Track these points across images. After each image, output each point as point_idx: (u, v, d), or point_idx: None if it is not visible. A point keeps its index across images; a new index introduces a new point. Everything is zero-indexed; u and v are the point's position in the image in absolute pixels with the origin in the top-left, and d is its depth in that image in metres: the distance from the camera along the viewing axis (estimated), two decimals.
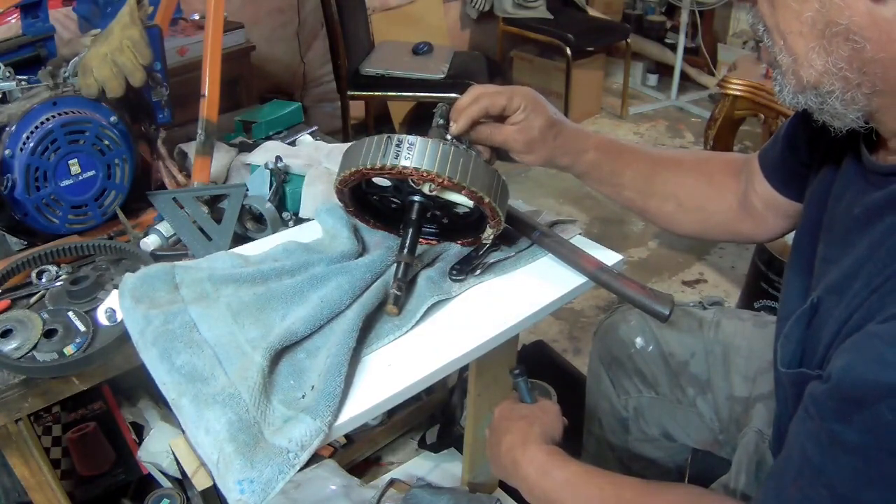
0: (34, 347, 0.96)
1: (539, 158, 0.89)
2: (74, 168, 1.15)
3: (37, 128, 1.11)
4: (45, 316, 1.00)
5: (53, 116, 1.12)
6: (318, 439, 0.64)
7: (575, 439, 1.26)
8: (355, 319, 0.75)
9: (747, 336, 1.06)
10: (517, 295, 0.86)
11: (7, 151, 1.10)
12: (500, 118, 0.88)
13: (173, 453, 1.26)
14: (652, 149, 1.00)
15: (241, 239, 1.15)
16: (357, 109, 2.99)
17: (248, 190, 1.21)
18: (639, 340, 1.10)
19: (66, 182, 1.15)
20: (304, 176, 1.24)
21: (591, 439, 1.21)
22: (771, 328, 1.07)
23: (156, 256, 1.14)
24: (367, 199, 0.92)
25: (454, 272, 0.87)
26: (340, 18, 2.62)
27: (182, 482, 1.38)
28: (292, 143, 1.50)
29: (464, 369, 1.46)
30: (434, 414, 1.72)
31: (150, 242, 1.15)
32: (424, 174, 0.76)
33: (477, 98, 0.86)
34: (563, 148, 0.90)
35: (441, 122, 0.89)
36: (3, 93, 1.15)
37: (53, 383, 0.98)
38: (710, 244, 2.65)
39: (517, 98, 0.86)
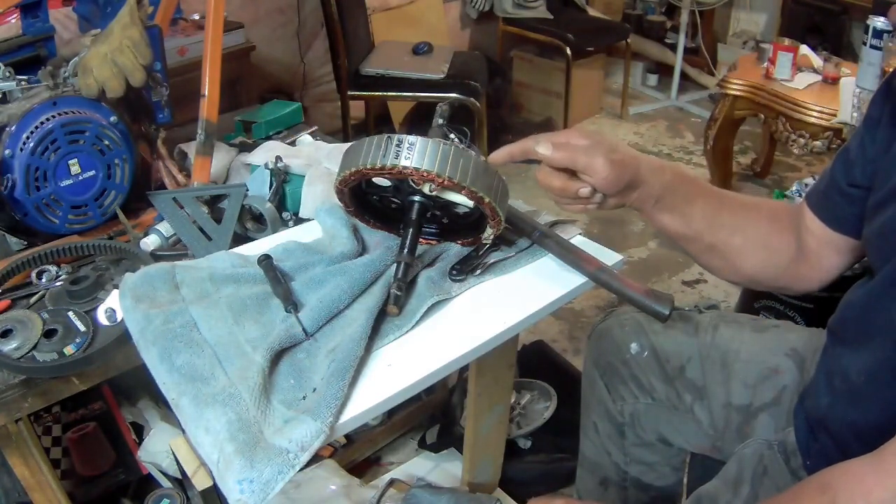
0: (34, 347, 0.96)
1: (617, 184, 0.85)
2: (74, 168, 1.15)
3: (37, 128, 1.11)
4: (45, 316, 1.00)
5: (53, 116, 1.12)
6: (319, 440, 0.63)
7: (574, 441, 1.26)
8: (365, 327, 0.74)
9: (746, 341, 1.06)
10: (517, 295, 0.86)
11: (7, 151, 1.10)
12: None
13: (173, 453, 1.26)
14: (712, 186, 0.98)
15: (241, 239, 1.15)
16: (357, 109, 2.99)
17: (248, 190, 1.21)
18: (633, 346, 1.10)
19: (66, 182, 1.15)
20: (304, 176, 1.24)
21: (587, 443, 1.21)
22: (771, 332, 1.08)
23: (156, 256, 1.14)
24: (367, 199, 0.92)
25: (454, 272, 0.87)
26: (340, 18, 2.62)
27: (182, 482, 1.38)
28: (292, 143, 1.50)
29: (464, 369, 1.46)
30: (434, 414, 1.72)
31: (150, 242, 1.15)
32: (424, 174, 0.76)
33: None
34: (636, 170, 0.86)
35: (441, 121, 0.89)
36: (3, 93, 1.15)
37: (53, 383, 0.98)
38: None
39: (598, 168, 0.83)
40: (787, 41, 2.42)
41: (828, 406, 0.86)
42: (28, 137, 1.10)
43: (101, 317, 1.01)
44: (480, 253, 0.91)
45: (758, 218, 0.95)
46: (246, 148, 1.46)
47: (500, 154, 0.87)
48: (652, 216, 0.92)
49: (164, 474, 1.43)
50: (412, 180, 0.80)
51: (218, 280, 0.83)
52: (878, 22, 2.00)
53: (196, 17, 2.22)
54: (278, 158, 1.25)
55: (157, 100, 1.33)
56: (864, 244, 0.87)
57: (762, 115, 2.41)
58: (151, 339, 0.75)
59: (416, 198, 0.85)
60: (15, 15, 1.35)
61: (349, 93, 2.71)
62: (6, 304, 1.03)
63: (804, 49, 2.42)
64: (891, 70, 2.02)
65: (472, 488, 1.35)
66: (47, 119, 1.11)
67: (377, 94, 2.78)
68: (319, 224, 0.96)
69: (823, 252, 0.92)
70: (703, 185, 0.95)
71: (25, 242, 1.20)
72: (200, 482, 1.16)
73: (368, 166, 0.78)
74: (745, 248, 0.94)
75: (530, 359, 1.84)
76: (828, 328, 0.92)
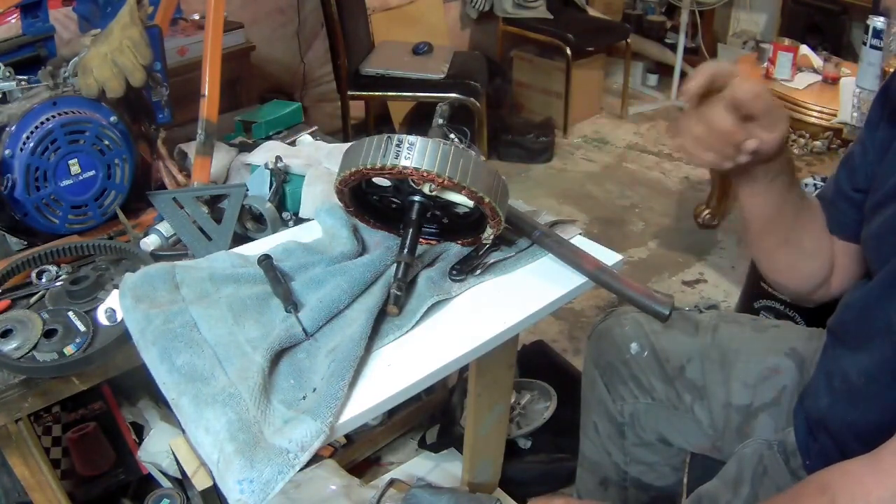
0: (34, 347, 0.96)
1: (771, 151, 0.80)
2: (74, 168, 1.15)
3: (37, 128, 1.11)
4: (45, 316, 1.00)
5: (53, 116, 1.12)
6: (319, 440, 0.63)
7: (574, 441, 1.26)
8: (365, 327, 0.75)
9: (746, 341, 1.06)
10: (517, 295, 0.86)
11: (7, 151, 1.10)
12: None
13: (173, 453, 1.26)
14: None
15: (241, 239, 1.15)
16: (357, 109, 2.99)
17: (248, 190, 1.21)
18: (634, 346, 1.10)
19: (66, 182, 1.15)
20: (304, 176, 1.24)
21: (587, 443, 1.21)
22: (771, 332, 1.08)
23: (156, 256, 1.14)
24: (367, 199, 0.92)
25: (454, 272, 0.87)
26: (340, 18, 2.62)
27: (182, 482, 1.38)
28: (292, 143, 1.50)
29: (464, 369, 1.46)
30: (434, 414, 1.72)
31: (150, 242, 1.15)
32: (424, 174, 0.76)
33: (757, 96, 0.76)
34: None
35: (441, 121, 0.89)
36: (3, 93, 1.15)
37: (53, 383, 0.98)
38: (709, 244, 2.66)
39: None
40: (787, 41, 2.41)
41: (827, 406, 0.86)
42: (28, 137, 1.10)
43: (101, 317, 1.01)
44: (480, 253, 0.91)
45: (814, 218, 0.93)
46: (246, 148, 1.46)
47: (699, 80, 0.78)
48: (757, 193, 0.86)
49: (164, 474, 1.43)
50: (412, 180, 0.80)
51: (218, 280, 0.83)
52: (878, 22, 1.99)
53: (196, 17, 2.22)
54: (278, 158, 1.25)
55: (157, 100, 1.33)
56: (863, 245, 0.87)
57: None
58: (151, 339, 0.75)
59: (416, 198, 0.85)
60: (15, 15, 1.35)
61: (349, 93, 2.72)
62: (6, 304, 1.03)
63: (804, 49, 2.42)
64: (891, 70, 2.03)
65: (472, 488, 1.35)
66: (47, 119, 1.11)
67: (377, 94, 2.78)
68: (319, 224, 0.96)
69: (841, 260, 0.92)
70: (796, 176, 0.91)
71: (25, 242, 1.20)
72: (200, 482, 1.16)
73: (368, 166, 0.78)
74: (809, 249, 0.92)
75: (530, 359, 1.84)
76: (827, 329, 0.92)
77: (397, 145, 0.77)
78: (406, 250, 0.82)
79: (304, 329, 0.75)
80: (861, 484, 0.66)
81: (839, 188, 0.90)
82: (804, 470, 0.91)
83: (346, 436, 1.59)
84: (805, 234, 0.91)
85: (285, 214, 1.24)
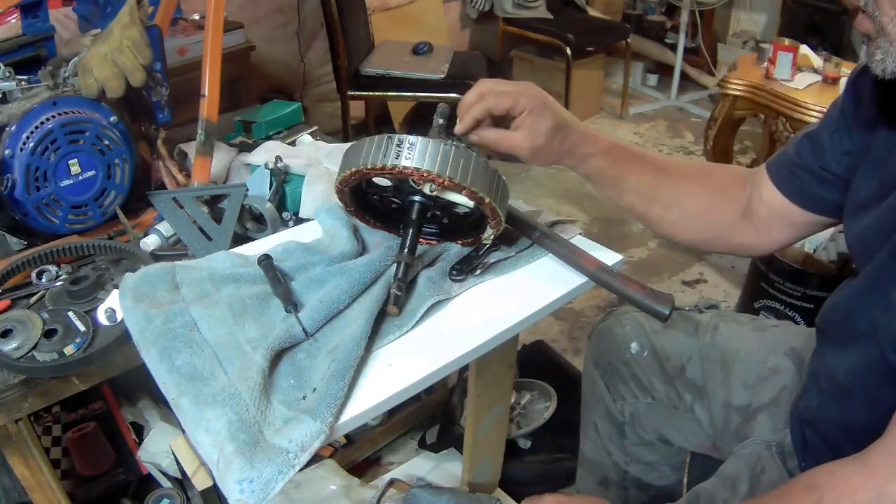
0: (34, 347, 0.96)
1: (543, 162, 0.89)
2: (74, 168, 1.15)
3: (37, 128, 1.11)
4: (45, 316, 1.00)
5: (53, 116, 1.12)
6: (319, 440, 0.63)
7: (574, 441, 1.26)
8: (365, 327, 0.74)
9: (746, 341, 1.06)
10: (517, 295, 0.86)
11: (7, 151, 1.10)
12: (505, 118, 0.87)
13: (173, 453, 1.26)
14: (660, 156, 1.00)
15: (241, 239, 1.15)
16: (357, 109, 2.99)
17: (248, 190, 1.21)
18: (634, 345, 1.10)
19: (66, 182, 1.15)
20: (304, 176, 1.24)
21: (587, 443, 1.21)
22: (770, 332, 1.08)
23: (156, 256, 1.14)
24: (367, 199, 0.92)
25: (454, 272, 0.87)
26: (340, 18, 2.62)
27: (182, 482, 1.38)
28: (292, 143, 1.50)
29: (464, 369, 1.46)
30: (434, 414, 1.72)
31: (150, 242, 1.15)
32: (425, 174, 0.76)
33: (482, 96, 0.85)
34: (569, 153, 0.90)
35: (441, 121, 0.89)
36: (3, 93, 1.15)
37: (53, 383, 0.98)
38: None
39: (523, 100, 0.85)
40: (787, 41, 2.41)
41: (818, 406, 0.86)
42: (28, 137, 1.10)
43: (101, 317, 1.01)
44: (480, 253, 0.91)
45: (700, 190, 0.97)
46: (246, 148, 1.46)
47: (465, 125, 0.86)
48: (574, 168, 0.93)
49: (164, 474, 1.43)
50: (412, 180, 0.80)
51: (218, 280, 0.83)
52: None
53: (196, 17, 2.22)
54: (278, 158, 1.25)
55: (157, 100, 1.33)
56: (848, 246, 0.87)
57: (762, 115, 2.41)
58: (151, 339, 0.75)
59: (417, 198, 0.85)
60: (15, 15, 1.35)
61: (349, 93, 2.71)
62: (6, 304, 1.03)
63: (804, 49, 2.42)
64: None
65: (472, 488, 1.35)
66: (47, 119, 1.11)
67: (377, 94, 2.78)
68: (319, 224, 0.96)
69: (774, 222, 0.93)
70: (640, 159, 0.95)
71: (25, 242, 1.20)
72: (200, 482, 1.16)
73: (369, 166, 0.78)
74: (680, 220, 0.97)
75: (530, 359, 1.84)
76: (816, 328, 0.92)
77: (398, 145, 0.77)
78: (406, 250, 0.82)
79: (304, 329, 0.75)
80: (848, 484, 0.66)
81: (802, 159, 0.90)
82: (800, 471, 0.90)
83: (346, 436, 1.59)
84: (671, 208, 0.96)
85: (285, 214, 1.24)
